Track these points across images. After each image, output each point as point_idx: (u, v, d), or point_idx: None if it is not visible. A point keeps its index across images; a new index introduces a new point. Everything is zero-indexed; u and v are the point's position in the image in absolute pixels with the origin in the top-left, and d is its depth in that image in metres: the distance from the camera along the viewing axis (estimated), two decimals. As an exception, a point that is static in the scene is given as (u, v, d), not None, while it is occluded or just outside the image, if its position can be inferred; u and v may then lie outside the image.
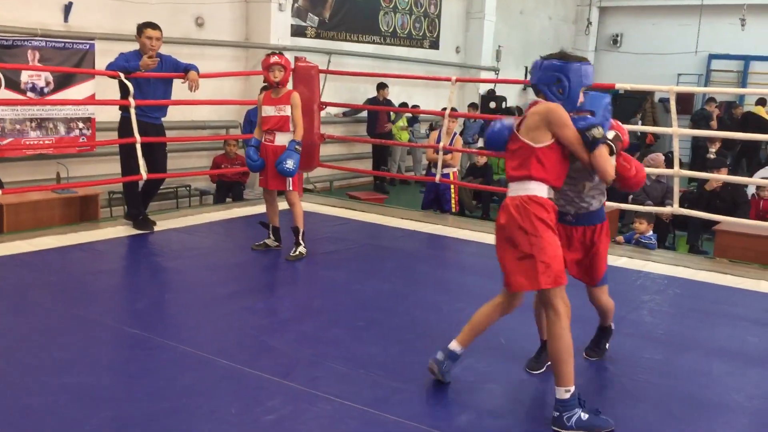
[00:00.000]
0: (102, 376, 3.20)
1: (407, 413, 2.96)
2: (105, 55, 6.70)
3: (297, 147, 5.17)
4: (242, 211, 6.93)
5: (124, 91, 5.68)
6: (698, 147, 10.95)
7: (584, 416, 2.85)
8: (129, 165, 5.80)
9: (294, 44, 10.04)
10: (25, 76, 7.13)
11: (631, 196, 7.58)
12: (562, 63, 2.97)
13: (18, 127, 7.15)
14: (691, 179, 10.01)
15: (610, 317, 3.55)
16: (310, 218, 6.42)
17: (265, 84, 5.41)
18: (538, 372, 3.42)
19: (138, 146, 5.72)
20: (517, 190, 3.00)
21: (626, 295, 4.86)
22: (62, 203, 6.75)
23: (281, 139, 5.23)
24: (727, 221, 6.33)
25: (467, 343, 3.20)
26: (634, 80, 9.32)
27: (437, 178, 7.02)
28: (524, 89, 16.18)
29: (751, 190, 8.48)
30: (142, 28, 5.70)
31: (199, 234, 5.98)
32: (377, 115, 11.06)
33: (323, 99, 8.01)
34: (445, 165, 7.02)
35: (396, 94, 11.83)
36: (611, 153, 2.99)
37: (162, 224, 6.06)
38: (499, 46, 14.86)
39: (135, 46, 5.79)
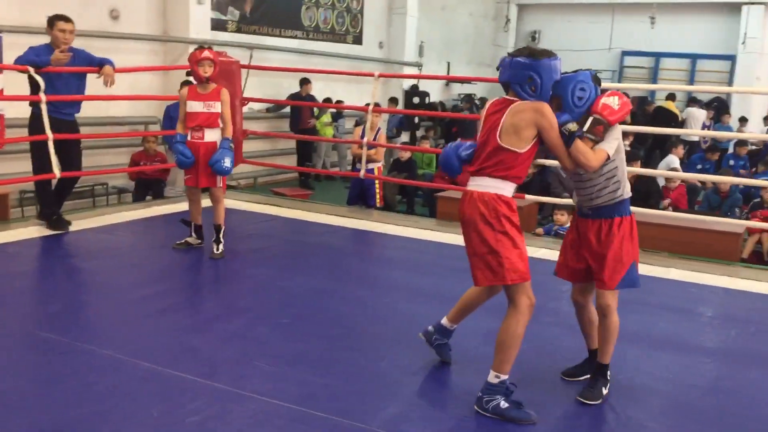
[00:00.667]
0: (15, 383, 3.08)
1: (334, 409, 2.96)
2: (13, 48, 6.41)
3: (231, 145, 5.13)
4: (163, 209, 6.77)
5: (34, 87, 5.48)
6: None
7: (503, 404, 2.94)
8: (41, 163, 5.59)
9: (214, 38, 9.85)
10: (-75, 71, 6.75)
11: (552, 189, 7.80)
12: (531, 61, 2.93)
13: None
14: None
15: (603, 341, 3.21)
16: (235, 215, 6.34)
17: (186, 79, 5.30)
18: (575, 379, 3.37)
19: (50, 143, 5.52)
20: (486, 186, 2.97)
21: (546, 285, 5.00)
22: (-31, 203, 6.45)
23: (211, 136, 5.13)
24: (638, 212, 6.60)
25: (457, 320, 3.39)
26: (552, 76, 9.54)
27: (362, 173, 7.04)
28: (447, 85, 16.40)
29: (662, 182, 8.88)
30: (53, 20, 5.51)
31: (118, 233, 5.81)
32: (301, 110, 10.99)
33: (245, 94, 7.90)
34: (369, 160, 7.05)
35: (320, 89, 11.79)
36: (595, 140, 2.98)
37: (77, 224, 5.86)
38: (422, 42, 15.01)
39: (45, 40, 5.59)
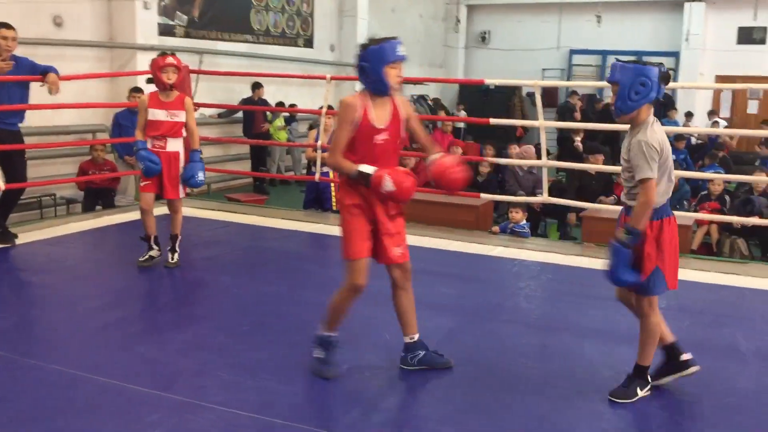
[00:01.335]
0: (-38, 405, 2.96)
1: (296, 415, 2.93)
2: (-49, 57, 6.19)
3: (201, 156, 5.05)
4: (114, 219, 6.62)
5: (-26, 97, 5.30)
6: (564, 138, 11.53)
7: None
8: (-16, 175, 5.41)
9: (162, 44, 9.67)
10: None
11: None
12: (361, 50, 3.25)
13: None
14: (558, 169, 10.52)
15: (641, 342, 3.22)
16: (189, 223, 6.23)
17: (137, 86, 5.19)
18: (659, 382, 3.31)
19: (-7, 155, 5.35)
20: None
21: (503, 283, 5.07)
22: None
23: (173, 146, 5.03)
24: (593, 207, 6.74)
25: (412, 329, 3.37)
26: (503, 75, 9.70)
27: (317, 177, 7.00)
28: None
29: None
30: (-7, 27, 5.34)
31: (67, 245, 5.66)
32: (253, 115, 10.88)
33: (196, 100, 7.77)
34: (324, 163, 7.01)
35: (272, 93, 11.68)
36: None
37: (24, 236, 5.70)
38: (373, 44, 15.00)
39: (-15, 48, 5.40)
